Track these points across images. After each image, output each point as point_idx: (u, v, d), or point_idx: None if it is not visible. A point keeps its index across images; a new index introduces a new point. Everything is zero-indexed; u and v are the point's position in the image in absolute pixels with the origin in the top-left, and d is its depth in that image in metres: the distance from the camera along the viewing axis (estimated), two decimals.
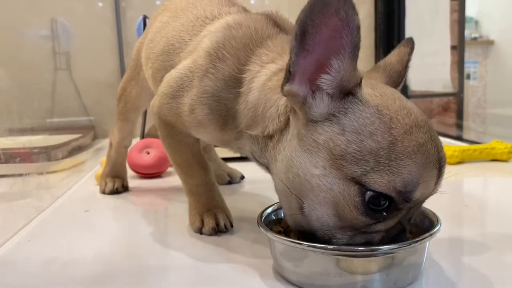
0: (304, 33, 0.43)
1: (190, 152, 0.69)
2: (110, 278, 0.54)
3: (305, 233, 0.48)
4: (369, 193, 0.43)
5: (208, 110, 0.59)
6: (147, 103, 0.94)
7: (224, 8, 0.70)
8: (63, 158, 1.19)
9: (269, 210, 0.58)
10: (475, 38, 4.22)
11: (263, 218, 0.55)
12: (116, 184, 0.92)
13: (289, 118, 0.51)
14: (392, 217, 0.46)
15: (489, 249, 0.59)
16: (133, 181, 1.01)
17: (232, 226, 0.68)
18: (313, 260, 0.46)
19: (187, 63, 0.62)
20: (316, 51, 0.44)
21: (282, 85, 0.47)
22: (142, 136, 1.25)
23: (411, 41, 0.60)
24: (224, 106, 0.58)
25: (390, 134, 0.43)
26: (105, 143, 1.29)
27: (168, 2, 0.85)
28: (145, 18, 1.30)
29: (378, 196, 0.43)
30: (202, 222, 0.67)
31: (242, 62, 0.58)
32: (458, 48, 1.77)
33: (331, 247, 0.45)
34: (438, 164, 0.45)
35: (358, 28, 0.42)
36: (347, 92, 0.46)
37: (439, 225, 0.49)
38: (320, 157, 0.45)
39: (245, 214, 0.76)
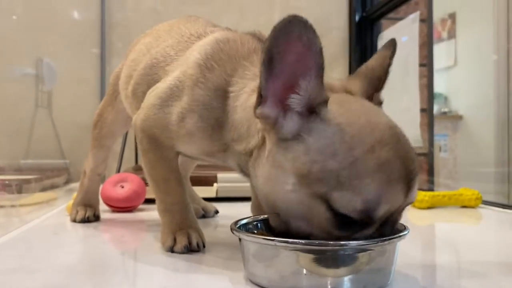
0: (271, 59, 0.46)
1: (169, 167, 0.69)
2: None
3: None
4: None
5: (198, 118, 0.61)
6: (122, 130, 0.96)
7: (209, 28, 0.74)
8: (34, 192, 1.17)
9: (243, 222, 0.58)
10: (444, 113, 4.43)
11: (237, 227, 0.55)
12: (87, 213, 0.91)
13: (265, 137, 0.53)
14: (364, 230, 0.46)
15: (454, 266, 0.61)
16: (104, 214, 1.00)
17: (204, 246, 0.67)
18: (284, 257, 0.46)
19: (175, 74, 0.65)
20: (284, 75, 0.47)
21: (254, 108, 0.49)
22: (118, 171, 1.25)
23: (392, 43, 0.60)
24: (213, 115, 0.61)
25: (351, 155, 0.44)
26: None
27: (148, 30, 0.89)
28: None
29: (342, 215, 0.45)
30: (175, 240, 0.66)
31: (229, 74, 0.61)
32: (428, 110, 1.87)
33: (303, 241, 0.45)
34: (405, 178, 0.46)
35: (321, 50, 0.45)
36: (313, 111, 0.47)
37: (407, 231, 0.50)
38: (291, 174, 0.47)
39: (218, 240, 0.75)
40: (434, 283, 0.54)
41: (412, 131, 1.47)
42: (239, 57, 0.62)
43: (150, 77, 0.72)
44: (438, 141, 4.35)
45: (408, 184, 0.46)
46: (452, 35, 4.36)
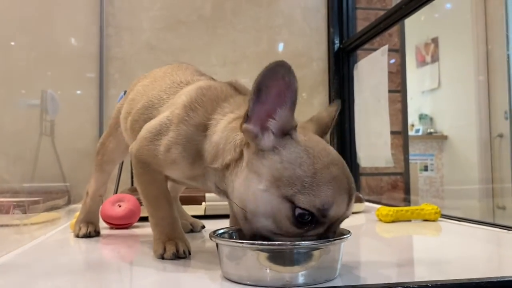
0: (259, 90, 0.60)
1: (159, 188, 0.82)
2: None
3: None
4: (297, 210, 0.58)
5: (181, 149, 0.75)
6: (122, 157, 1.09)
7: (195, 77, 0.89)
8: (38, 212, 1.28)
9: (221, 231, 0.71)
10: (430, 133, 4.58)
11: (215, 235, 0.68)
12: (89, 229, 1.03)
13: (242, 151, 0.66)
14: (316, 228, 0.60)
15: (397, 263, 0.73)
16: (103, 231, 1.12)
17: (190, 253, 0.79)
18: (250, 256, 0.59)
19: (165, 114, 0.79)
20: (267, 103, 0.61)
21: (241, 124, 0.63)
22: (116, 192, 1.37)
23: (338, 103, 0.76)
24: (194, 146, 0.74)
25: (313, 167, 0.59)
26: (79, 206, 1.40)
27: (147, 73, 1.03)
28: (125, 92, 1.49)
29: (304, 212, 0.58)
30: (164, 249, 0.78)
31: (209, 112, 0.75)
32: (402, 133, 2.00)
33: (266, 242, 0.58)
34: (348, 191, 0.60)
35: (296, 90, 0.60)
36: (286, 133, 0.62)
37: (349, 234, 0.63)
38: (264, 177, 0.61)
39: (203, 249, 0.88)
40: (372, 276, 0.66)
41: (384, 152, 1.61)
42: (218, 100, 0.76)
43: (146, 116, 0.85)
44: (425, 160, 4.50)
45: (349, 197, 0.61)
46: (435, 58, 4.53)
